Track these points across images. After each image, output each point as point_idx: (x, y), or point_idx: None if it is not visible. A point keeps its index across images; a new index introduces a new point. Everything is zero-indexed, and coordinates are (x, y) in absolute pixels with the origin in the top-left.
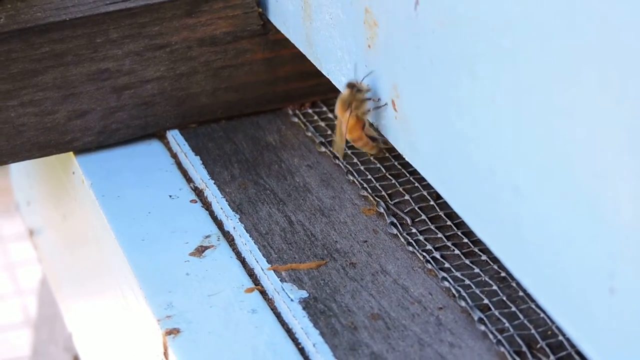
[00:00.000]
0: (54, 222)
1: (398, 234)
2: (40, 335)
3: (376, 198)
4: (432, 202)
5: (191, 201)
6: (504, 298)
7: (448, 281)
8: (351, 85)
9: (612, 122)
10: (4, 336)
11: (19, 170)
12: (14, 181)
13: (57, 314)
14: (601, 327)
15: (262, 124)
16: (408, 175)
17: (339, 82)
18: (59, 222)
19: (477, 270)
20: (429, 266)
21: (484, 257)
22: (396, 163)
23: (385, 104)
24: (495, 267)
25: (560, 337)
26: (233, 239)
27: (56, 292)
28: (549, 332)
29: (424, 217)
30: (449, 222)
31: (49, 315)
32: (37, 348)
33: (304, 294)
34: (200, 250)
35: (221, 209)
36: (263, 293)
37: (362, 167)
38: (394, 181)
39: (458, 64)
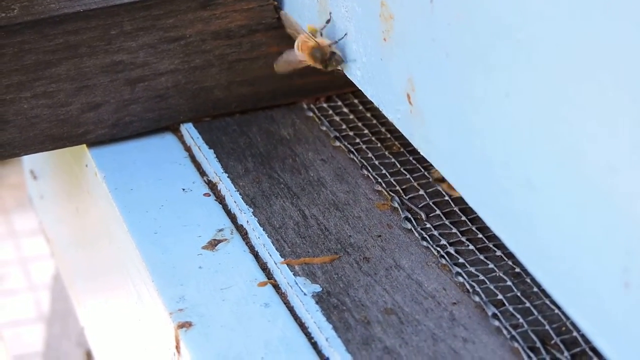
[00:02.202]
0: (66, 215)
1: (412, 228)
2: (53, 330)
3: (390, 193)
4: (446, 197)
5: (204, 194)
6: (519, 294)
7: (462, 276)
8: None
9: (626, 116)
10: (17, 331)
11: (32, 163)
12: (27, 175)
13: (70, 309)
14: (616, 322)
15: (277, 118)
16: (423, 170)
17: (354, 75)
18: (72, 216)
19: (491, 265)
20: (443, 261)
21: (498, 253)
22: (411, 158)
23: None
24: (510, 262)
25: (575, 334)
26: (246, 233)
27: (68, 286)
28: (564, 328)
29: (438, 212)
30: (463, 218)
31: (61, 310)
32: (49, 343)
33: (317, 288)
34: (213, 244)
35: (234, 202)
36: (276, 287)
37: (376, 162)
38: (408, 176)
39: (473, 58)
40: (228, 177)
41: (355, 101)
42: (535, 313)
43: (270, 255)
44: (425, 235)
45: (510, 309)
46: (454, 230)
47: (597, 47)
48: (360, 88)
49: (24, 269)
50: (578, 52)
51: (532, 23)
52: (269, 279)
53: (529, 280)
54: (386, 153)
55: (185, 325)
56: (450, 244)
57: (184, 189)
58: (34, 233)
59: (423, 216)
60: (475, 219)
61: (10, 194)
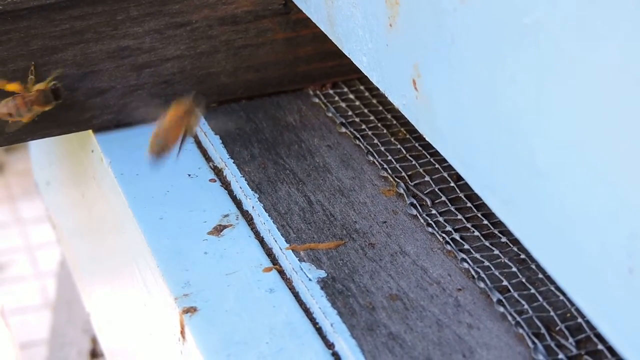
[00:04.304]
0: (72, 201)
1: (418, 215)
2: (58, 317)
3: (396, 179)
4: (452, 184)
5: (210, 180)
6: (524, 280)
7: (467, 262)
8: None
9: (632, 101)
10: (23, 318)
11: (38, 150)
12: (33, 161)
13: (76, 295)
14: (620, 307)
15: (283, 104)
16: (428, 156)
17: (360, 61)
18: (78, 202)
19: (496, 252)
20: (449, 247)
21: (503, 239)
22: (417, 144)
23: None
24: (515, 249)
25: (580, 320)
26: (252, 219)
27: (74, 272)
28: (568, 315)
29: (444, 198)
30: (469, 204)
31: (67, 297)
32: (55, 330)
33: (322, 273)
34: (218, 230)
35: (240, 188)
36: (281, 272)
37: (382, 148)
38: (414, 162)
39: (479, 43)
40: (234, 162)
41: (362, 87)
42: (540, 299)
43: (276, 241)
44: (431, 222)
45: (515, 295)
46: (460, 216)
47: (604, 31)
48: (366, 74)
49: (30, 256)
50: (585, 37)
51: (539, 7)
52: (274, 264)
53: (534, 267)
54: (392, 139)
55: (190, 310)
56: (456, 230)
57: (189, 175)
58: (40, 220)
59: (429, 202)
60: (481, 206)
61: (17, 181)
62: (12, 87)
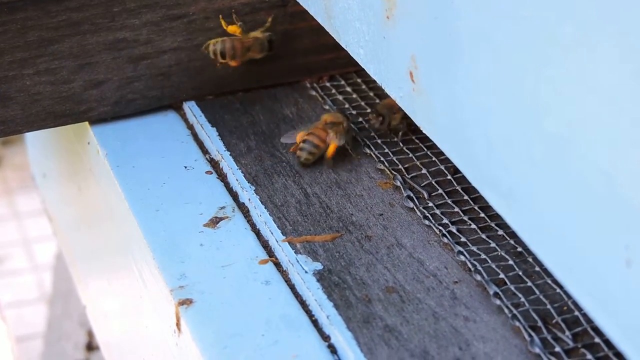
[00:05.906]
0: (69, 194)
1: (414, 207)
2: (55, 310)
3: (393, 172)
4: (449, 177)
5: (206, 172)
6: (520, 273)
7: (464, 255)
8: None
9: (628, 94)
10: (19, 312)
11: (34, 142)
12: (30, 154)
13: (72, 288)
14: (617, 300)
15: (280, 97)
16: (425, 149)
17: (357, 54)
18: (74, 194)
19: (493, 244)
20: (445, 240)
21: (500, 232)
22: (414, 137)
23: None
24: (512, 242)
25: (576, 313)
26: (248, 211)
27: (70, 265)
28: (565, 308)
29: (440, 191)
30: (465, 197)
31: (63, 290)
32: (51, 323)
33: (318, 266)
34: (214, 221)
35: (236, 180)
36: (277, 265)
37: (379, 141)
38: (411, 155)
39: (476, 35)
40: (230, 155)
41: (359, 80)
42: (537, 292)
43: (272, 233)
44: (427, 214)
45: (512, 288)
46: (456, 209)
47: (599, 22)
48: (363, 66)
49: (27, 249)
50: (582, 29)
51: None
52: (270, 256)
53: (530, 260)
54: (389, 132)
55: (186, 302)
56: (452, 223)
57: (186, 167)
58: (37, 214)
59: (425, 195)
60: (478, 198)
61: (14, 174)
62: (232, 29)
